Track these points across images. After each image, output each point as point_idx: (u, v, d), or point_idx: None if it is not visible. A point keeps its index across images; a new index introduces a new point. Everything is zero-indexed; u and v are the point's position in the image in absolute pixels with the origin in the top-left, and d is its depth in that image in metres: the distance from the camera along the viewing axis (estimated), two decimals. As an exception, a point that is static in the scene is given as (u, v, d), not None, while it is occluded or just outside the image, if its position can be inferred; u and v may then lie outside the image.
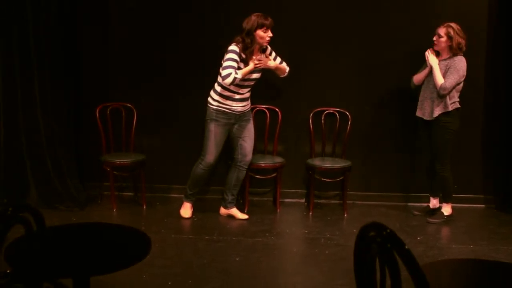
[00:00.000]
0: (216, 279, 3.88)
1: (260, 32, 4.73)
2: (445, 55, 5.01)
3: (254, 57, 4.79)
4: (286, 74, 5.12)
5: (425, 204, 5.47)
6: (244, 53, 4.76)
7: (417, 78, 5.18)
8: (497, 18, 5.49)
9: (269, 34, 4.76)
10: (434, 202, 5.40)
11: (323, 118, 5.62)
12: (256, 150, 5.61)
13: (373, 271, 2.00)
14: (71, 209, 5.20)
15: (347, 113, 5.57)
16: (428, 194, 5.45)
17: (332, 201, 5.77)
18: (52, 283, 2.78)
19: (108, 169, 5.31)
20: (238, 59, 4.74)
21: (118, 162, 5.33)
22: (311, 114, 5.61)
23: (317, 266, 4.19)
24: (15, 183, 5.28)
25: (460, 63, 4.92)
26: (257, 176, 5.54)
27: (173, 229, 4.86)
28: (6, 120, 5.23)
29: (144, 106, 5.63)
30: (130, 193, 5.80)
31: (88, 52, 5.63)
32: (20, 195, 5.23)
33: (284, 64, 5.07)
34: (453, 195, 5.26)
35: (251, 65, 4.77)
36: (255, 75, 4.90)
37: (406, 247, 1.78)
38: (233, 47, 4.76)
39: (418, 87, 5.18)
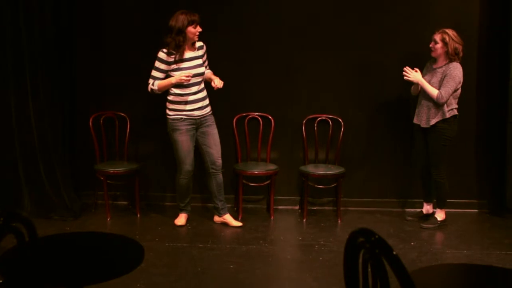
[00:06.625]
0: (211, 286, 3.89)
1: (191, 29, 4.80)
2: (441, 62, 5.03)
3: (182, 75, 4.76)
4: (216, 85, 4.90)
5: (419, 210, 5.49)
6: (175, 54, 4.81)
7: (413, 90, 5.24)
8: (489, 22, 5.52)
9: (199, 29, 4.84)
10: (427, 208, 5.42)
11: (316, 124, 5.64)
12: (249, 158, 5.64)
13: (362, 277, 2.01)
14: (65, 219, 5.19)
15: (340, 119, 5.60)
16: (422, 200, 5.48)
17: (326, 208, 5.78)
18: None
19: (102, 178, 5.31)
20: (163, 68, 4.84)
21: (112, 171, 5.34)
22: (304, 121, 5.63)
23: (311, 272, 4.20)
24: (8, 193, 5.27)
25: (455, 70, 4.94)
26: (251, 184, 5.56)
27: (167, 238, 4.86)
28: (-1, 130, 5.23)
29: (137, 115, 5.65)
30: (124, 202, 5.80)
31: (81, 61, 5.64)
32: (14, 205, 5.22)
33: (212, 76, 5.01)
34: (447, 200, 5.28)
35: (172, 79, 4.81)
36: (195, 71, 4.86)
37: (394, 252, 1.79)
38: (159, 54, 4.85)
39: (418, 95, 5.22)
